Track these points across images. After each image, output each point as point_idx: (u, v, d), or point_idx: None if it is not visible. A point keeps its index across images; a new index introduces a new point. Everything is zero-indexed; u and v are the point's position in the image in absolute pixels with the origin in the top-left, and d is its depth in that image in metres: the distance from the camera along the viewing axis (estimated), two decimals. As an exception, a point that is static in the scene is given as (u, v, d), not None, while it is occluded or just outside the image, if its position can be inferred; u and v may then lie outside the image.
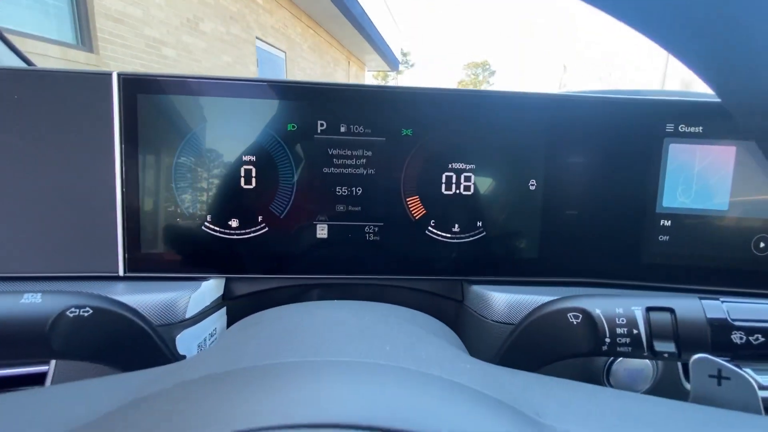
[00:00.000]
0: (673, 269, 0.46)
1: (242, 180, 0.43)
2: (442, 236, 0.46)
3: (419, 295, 0.50)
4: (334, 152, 0.44)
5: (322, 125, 0.43)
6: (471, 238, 0.46)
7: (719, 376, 0.21)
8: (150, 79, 0.41)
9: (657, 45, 0.15)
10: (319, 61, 9.02)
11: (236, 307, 0.48)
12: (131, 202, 0.42)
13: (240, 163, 0.43)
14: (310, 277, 0.46)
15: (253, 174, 0.43)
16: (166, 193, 0.42)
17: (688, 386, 0.42)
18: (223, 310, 0.46)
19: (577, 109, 0.45)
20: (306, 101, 0.43)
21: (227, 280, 0.46)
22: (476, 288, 0.45)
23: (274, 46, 6.76)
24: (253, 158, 0.43)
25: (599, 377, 0.41)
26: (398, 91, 0.44)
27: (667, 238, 0.46)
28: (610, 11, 0.15)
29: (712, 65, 0.14)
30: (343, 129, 0.43)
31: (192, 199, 0.43)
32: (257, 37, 6.10)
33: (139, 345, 0.31)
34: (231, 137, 0.42)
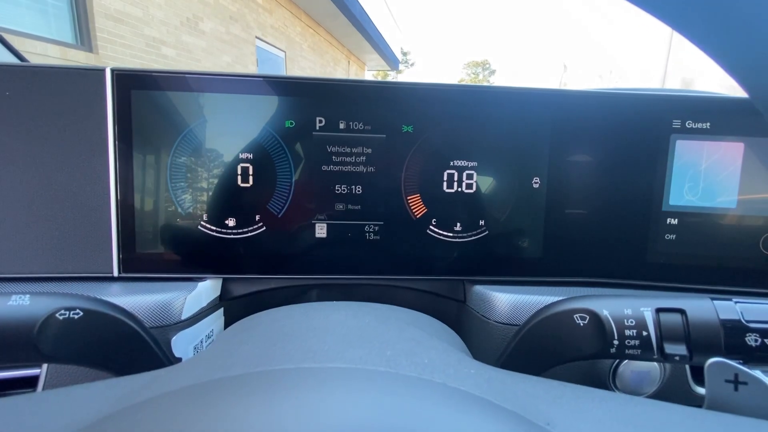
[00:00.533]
0: (679, 268, 0.45)
1: (239, 178, 0.42)
2: (444, 235, 0.45)
3: (420, 295, 0.49)
4: (333, 149, 0.43)
5: (320, 122, 0.42)
6: (473, 238, 0.45)
7: (736, 381, 0.20)
8: (144, 75, 0.40)
9: (688, 40, 0.14)
10: (319, 61, 9.01)
11: (234, 307, 0.47)
12: (125, 200, 0.41)
13: (237, 160, 0.42)
14: (309, 277, 0.45)
15: (251, 172, 0.42)
16: (161, 192, 0.41)
17: (696, 389, 0.41)
18: (221, 311, 0.45)
19: (582, 105, 0.44)
20: (304, 97, 0.42)
21: (224, 280, 0.45)
22: (478, 288, 0.44)
23: (274, 46, 6.75)
24: (251, 156, 0.42)
25: (605, 379, 0.40)
26: (399, 87, 0.43)
27: (674, 236, 0.45)
28: (644, 6, 0.15)
29: (745, 63, 0.14)
30: (342, 126, 0.42)
31: (188, 198, 0.42)
32: (257, 37, 6.09)
33: (131, 348, 0.30)
34: (228, 134, 0.42)
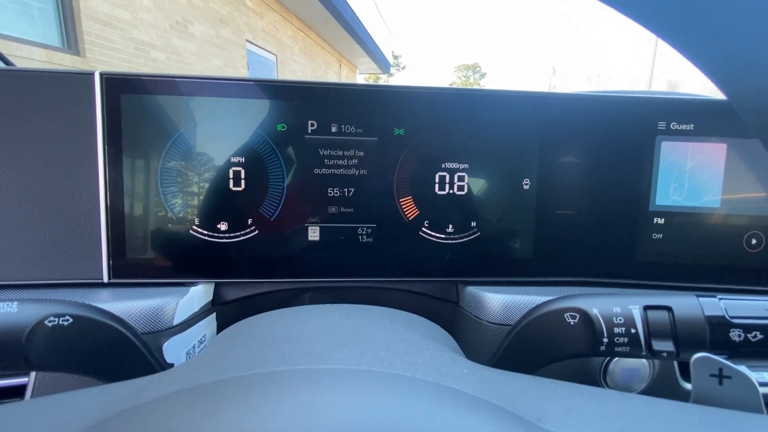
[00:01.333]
0: (667, 267, 0.46)
1: (231, 182, 0.42)
2: (436, 237, 0.45)
3: (414, 297, 0.49)
4: (325, 153, 0.43)
5: (312, 125, 0.42)
6: (465, 239, 0.45)
7: (720, 375, 0.20)
8: (134, 79, 0.40)
9: (666, 43, 0.15)
10: (310, 64, 9.01)
11: (227, 312, 0.47)
12: (115, 205, 0.40)
13: (229, 164, 0.42)
14: (302, 280, 0.45)
15: (242, 176, 0.42)
16: (151, 197, 0.41)
17: (684, 385, 0.42)
18: (213, 315, 0.45)
19: (570, 108, 0.44)
20: (296, 101, 0.42)
21: (217, 285, 0.45)
22: (471, 289, 0.44)
23: (265, 49, 6.73)
24: (242, 159, 0.42)
25: (596, 377, 0.40)
26: (390, 91, 0.43)
27: (661, 236, 0.46)
28: (622, 9, 0.15)
29: (722, 66, 0.14)
30: (334, 129, 0.43)
31: (179, 202, 0.41)
32: (247, 40, 6.07)
33: (122, 354, 0.30)
34: (219, 138, 0.41)
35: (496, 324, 0.41)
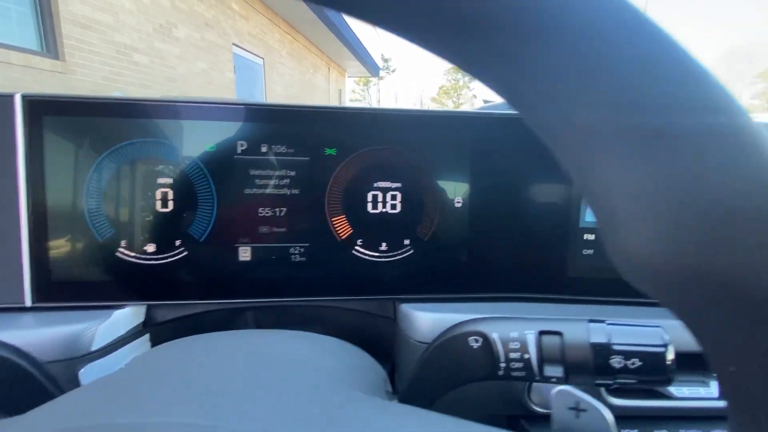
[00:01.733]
0: (599, 282, 0.47)
1: (158, 203, 0.42)
2: (370, 255, 0.45)
3: (356, 314, 0.49)
4: (256, 173, 0.43)
5: (242, 146, 0.42)
6: (399, 257, 0.46)
7: (577, 409, 0.21)
8: (57, 101, 0.40)
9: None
10: (298, 67, 8.99)
11: (162, 332, 0.46)
12: (38, 227, 0.40)
13: (156, 185, 0.41)
14: (235, 301, 0.45)
15: (170, 197, 0.42)
16: (77, 218, 0.41)
17: (610, 399, 0.43)
18: (146, 337, 0.45)
19: (500, 127, 0.45)
20: (225, 122, 0.42)
21: (149, 306, 0.45)
22: (404, 307, 0.45)
23: (252, 53, 6.70)
24: (170, 180, 0.42)
25: (520, 394, 0.41)
26: (321, 111, 0.44)
27: (591, 251, 0.46)
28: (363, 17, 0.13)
29: (519, 100, 0.14)
30: (264, 149, 0.43)
31: (105, 224, 0.41)
32: (234, 44, 6.04)
33: (20, 386, 0.29)
34: (146, 159, 0.41)
35: (422, 343, 0.41)
